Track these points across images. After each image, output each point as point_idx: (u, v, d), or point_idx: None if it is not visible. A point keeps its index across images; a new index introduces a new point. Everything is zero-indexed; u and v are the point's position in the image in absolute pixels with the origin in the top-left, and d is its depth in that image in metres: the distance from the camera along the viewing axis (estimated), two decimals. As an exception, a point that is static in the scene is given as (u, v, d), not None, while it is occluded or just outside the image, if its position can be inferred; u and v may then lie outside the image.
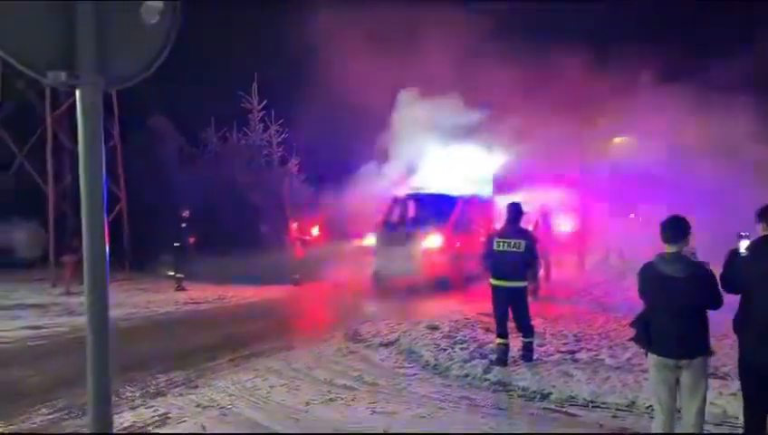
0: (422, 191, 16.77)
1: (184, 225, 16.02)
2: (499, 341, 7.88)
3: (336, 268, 16.64)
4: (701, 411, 4.43)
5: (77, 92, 2.39)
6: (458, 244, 15.35)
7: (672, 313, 4.43)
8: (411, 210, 16.72)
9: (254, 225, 22.01)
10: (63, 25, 2.39)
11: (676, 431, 4.52)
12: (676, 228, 4.47)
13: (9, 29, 2.35)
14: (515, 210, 8.08)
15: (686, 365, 4.39)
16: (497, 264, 7.93)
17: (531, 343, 8.00)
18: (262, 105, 27.27)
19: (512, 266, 7.83)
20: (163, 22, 2.58)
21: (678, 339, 4.42)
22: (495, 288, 7.94)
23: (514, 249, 7.79)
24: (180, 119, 27.33)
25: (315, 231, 18.59)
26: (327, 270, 16.75)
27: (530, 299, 13.24)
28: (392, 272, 14.84)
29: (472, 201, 16.85)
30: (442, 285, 14.52)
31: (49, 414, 6.26)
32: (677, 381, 4.44)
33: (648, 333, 4.54)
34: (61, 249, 16.84)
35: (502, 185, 17.81)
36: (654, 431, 4.61)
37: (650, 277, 4.55)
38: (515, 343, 8.09)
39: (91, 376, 2.42)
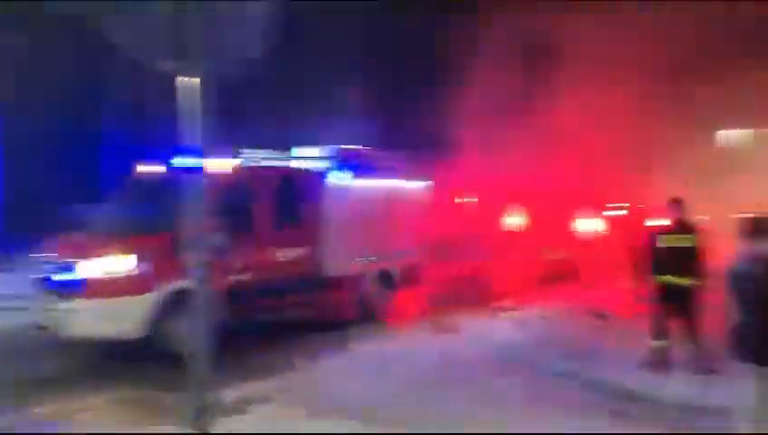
0: (163, 165, 8.59)
1: None
2: (654, 343, 7.51)
3: None
4: None
5: (180, 78, 2.58)
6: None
7: (760, 315, 4.30)
8: (125, 202, 9.06)
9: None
10: (172, 18, 2.58)
11: None
12: (762, 227, 4.33)
13: (126, 23, 2.56)
14: (677, 204, 7.58)
15: None
16: (664, 259, 7.49)
17: (698, 350, 7.32)
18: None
19: (680, 263, 7.33)
20: (263, 15, 2.74)
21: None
22: (661, 285, 7.54)
23: (681, 244, 7.36)
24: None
25: None
26: None
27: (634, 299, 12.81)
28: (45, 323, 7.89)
29: (257, 184, 9.10)
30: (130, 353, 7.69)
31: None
32: None
33: None
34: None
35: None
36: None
37: (737, 279, 4.41)
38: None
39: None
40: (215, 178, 7.86)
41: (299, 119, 16.98)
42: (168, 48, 2.61)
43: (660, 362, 7.35)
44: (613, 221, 14.48)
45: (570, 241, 14.93)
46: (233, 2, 2.71)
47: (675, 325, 7.45)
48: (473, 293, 11.94)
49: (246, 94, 14.76)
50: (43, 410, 6.03)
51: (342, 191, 10.04)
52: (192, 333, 2.61)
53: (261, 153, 10.20)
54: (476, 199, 15.31)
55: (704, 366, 7.13)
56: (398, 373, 7.29)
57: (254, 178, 9.15)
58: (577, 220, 14.96)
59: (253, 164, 9.63)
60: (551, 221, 14.83)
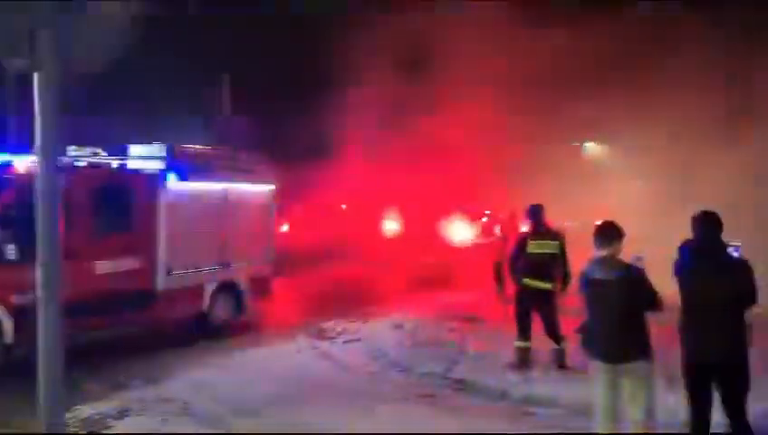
0: None
1: None
2: (517, 343, 7.79)
3: None
4: (646, 416, 4.44)
5: (35, 76, 2.42)
6: None
7: (605, 316, 4.55)
8: None
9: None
10: (23, 14, 2.43)
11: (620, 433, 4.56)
12: (605, 233, 4.63)
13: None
14: (539, 211, 7.92)
15: (625, 370, 4.46)
16: (528, 264, 7.80)
17: (558, 350, 7.67)
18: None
19: (542, 268, 7.71)
20: (118, 12, 2.64)
21: (611, 342, 4.50)
22: (524, 288, 7.84)
23: (547, 250, 7.71)
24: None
25: None
26: None
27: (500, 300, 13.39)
28: None
29: (72, 185, 7.32)
30: None
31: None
32: (620, 385, 4.48)
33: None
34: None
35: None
36: (596, 432, 4.66)
37: (584, 282, 4.68)
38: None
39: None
40: (18, 177, 7.42)
41: (149, 118, 15.92)
42: (20, 45, 2.45)
43: (524, 362, 7.74)
44: (484, 227, 15.00)
45: (443, 247, 15.33)
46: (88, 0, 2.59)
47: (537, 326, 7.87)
48: (344, 298, 11.98)
49: (94, 93, 13.54)
50: None
51: (178, 194, 8.92)
52: (43, 351, 2.43)
53: (88, 151, 9.01)
54: (348, 205, 15.32)
55: (563, 365, 7.62)
56: (252, 383, 7.16)
57: (69, 178, 7.25)
58: (450, 226, 15.39)
59: (68, 163, 8.20)
60: (424, 227, 15.17)
